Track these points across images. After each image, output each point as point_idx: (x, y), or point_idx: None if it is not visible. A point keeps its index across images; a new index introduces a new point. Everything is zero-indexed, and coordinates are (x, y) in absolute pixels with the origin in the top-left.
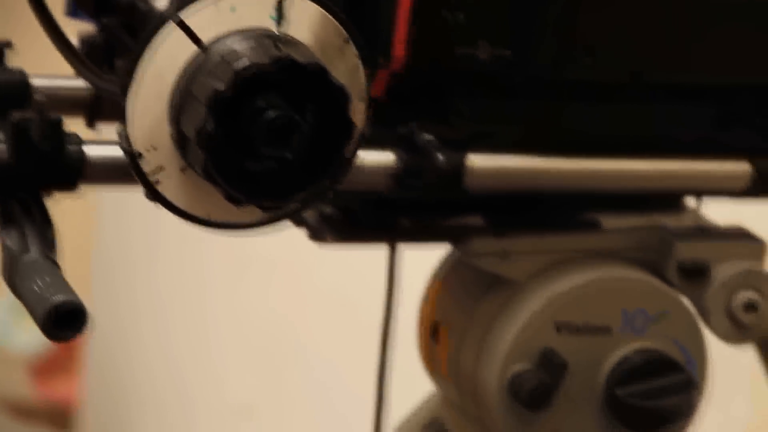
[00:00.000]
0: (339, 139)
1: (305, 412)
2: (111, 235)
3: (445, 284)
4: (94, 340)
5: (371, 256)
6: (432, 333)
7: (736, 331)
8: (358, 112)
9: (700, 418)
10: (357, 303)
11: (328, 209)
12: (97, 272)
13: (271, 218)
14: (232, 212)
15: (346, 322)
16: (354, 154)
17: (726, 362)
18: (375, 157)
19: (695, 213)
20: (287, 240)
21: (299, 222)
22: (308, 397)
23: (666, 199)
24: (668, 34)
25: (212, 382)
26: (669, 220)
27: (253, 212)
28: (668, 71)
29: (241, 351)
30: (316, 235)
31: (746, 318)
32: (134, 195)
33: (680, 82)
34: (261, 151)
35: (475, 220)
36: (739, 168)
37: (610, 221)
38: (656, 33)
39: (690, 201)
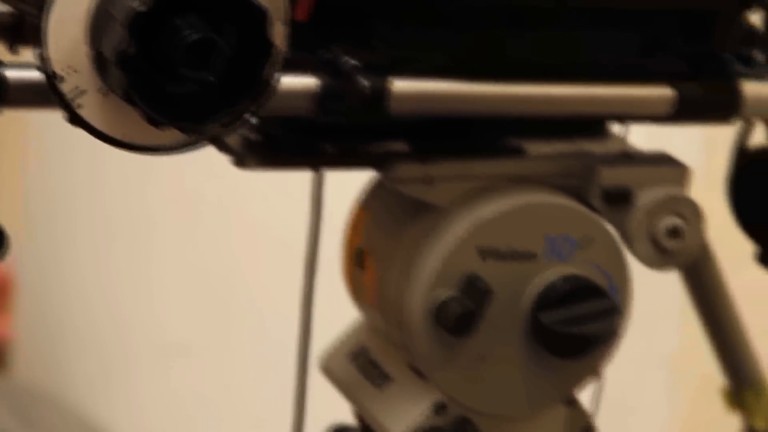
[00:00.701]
0: (259, 61)
1: (239, 348)
2: (52, 164)
3: (370, 211)
4: (28, 275)
5: (302, 191)
6: (357, 260)
7: (659, 257)
8: (280, 35)
9: (626, 345)
10: (290, 237)
11: (252, 135)
12: (33, 202)
13: (192, 141)
14: (154, 135)
15: (278, 257)
16: (275, 77)
17: (654, 289)
18: (297, 81)
19: (620, 139)
20: (224, 177)
21: (223, 148)
22: (242, 334)
23: (591, 125)
24: None
25: (150, 319)
26: (594, 146)
27: (174, 135)
28: None
29: (179, 288)
30: (240, 160)
31: (669, 243)
32: None
33: (605, 7)
34: (181, 73)
35: (400, 145)
36: (662, 93)
37: (535, 147)
38: None
39: (617, 128)
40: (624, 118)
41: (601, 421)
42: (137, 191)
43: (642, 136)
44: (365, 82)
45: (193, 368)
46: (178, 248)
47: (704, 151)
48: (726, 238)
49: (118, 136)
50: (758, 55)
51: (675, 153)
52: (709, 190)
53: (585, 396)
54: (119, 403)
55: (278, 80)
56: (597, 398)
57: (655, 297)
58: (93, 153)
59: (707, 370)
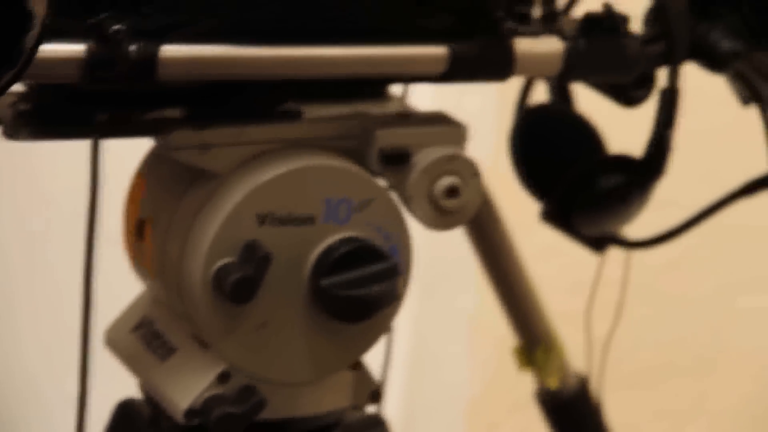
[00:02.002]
0: (17, 30)
1: (24, 326)
2: None
3: (149, 180)
4: None
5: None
6: (137, 231)
7: (438, 217)
8: (39, 2)
9: (427, 307)
10: (72, 210)
11: (22, 105)
12: None
13: None
14: None
15: (62, 230)
16: (36, 44)
17: (453, 250)
18: (63, 48)
19: (399, 100)
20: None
21: None
22: (28, 311)
23: (370, 88)
24: None
25: None
26: (372, 108)
27: None
28: None
29: None
30: (12, 132)
31: (448, 203)
32: None
33: None
34: None
35: (176, 112)
36: (434, 52)
37: (313, 111)
38: None
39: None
40: (399, 78)
41: (401, 381)
42: None
43: (436, 100)
44: (132, 48)
45: None
46: None
47: (499, 111)
48: (521, 201)
49: None
50: (536, 12)
51: (469, 114)
52: (503, 151)
53: (376, 358)
54: None
55: (38, 47)
56: (386, 361)
57: (454, 258)
58: None
59: (506, 330)
